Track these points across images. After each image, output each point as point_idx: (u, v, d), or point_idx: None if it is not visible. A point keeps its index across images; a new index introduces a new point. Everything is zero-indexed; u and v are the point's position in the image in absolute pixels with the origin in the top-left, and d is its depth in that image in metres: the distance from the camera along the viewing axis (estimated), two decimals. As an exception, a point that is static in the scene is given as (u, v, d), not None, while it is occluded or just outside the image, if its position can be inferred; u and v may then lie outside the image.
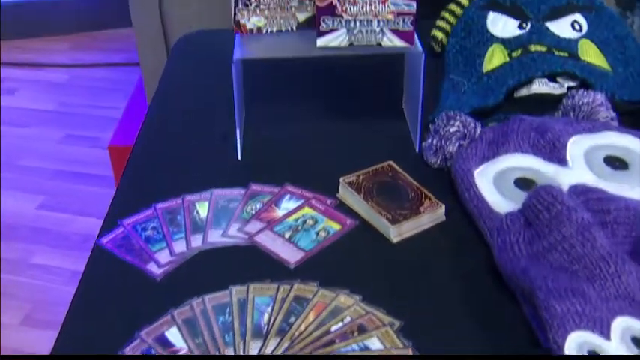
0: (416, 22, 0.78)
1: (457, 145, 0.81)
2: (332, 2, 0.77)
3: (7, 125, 2.27)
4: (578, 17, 0.98)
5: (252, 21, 0.82)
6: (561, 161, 0.77)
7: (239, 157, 0.85)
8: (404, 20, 0.78)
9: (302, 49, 0.81)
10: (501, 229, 0.70)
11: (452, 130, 0.80)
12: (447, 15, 1.02)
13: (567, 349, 0.56)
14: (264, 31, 0.83)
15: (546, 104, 0.90)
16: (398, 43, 0.79)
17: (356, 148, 0.87)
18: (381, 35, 0.79)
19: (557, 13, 0.98)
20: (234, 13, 0.82)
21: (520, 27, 0.96)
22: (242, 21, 0.82)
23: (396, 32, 0.78)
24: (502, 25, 0.97)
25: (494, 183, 0.76)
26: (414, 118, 0.85)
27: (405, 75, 0.91)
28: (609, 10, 1.00)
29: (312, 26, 0.82)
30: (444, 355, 0.61)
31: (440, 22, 1.02)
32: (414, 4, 0.77)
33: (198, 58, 1.09)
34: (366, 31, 0.78)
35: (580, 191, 0.70)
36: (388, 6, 0.77)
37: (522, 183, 0.76)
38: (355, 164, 0.82)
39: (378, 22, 0.78)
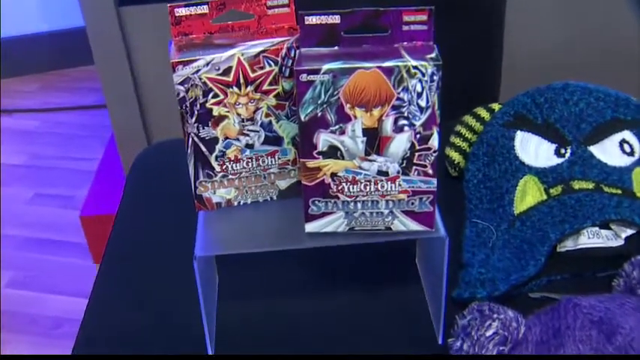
0: (436, 202, 0.57)
1: (495, 351, 0.59)
2: (323, 180, 0.55)
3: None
4: (627, 135, 0.76)
5: (220, 194, 0.60)
6: (637, 378, 0.57)
7: (210, 352, 0.64)
8: (421, 200, 0.56)
9: (287, 233, 0.59)
10: None
11: (488, 334, 0.59)
12: (462, 130, 0.80)
13: None
14: (235, 203, 0.61)
15: (599, 261, 0.70)
16: (413, 226, 0.57)
17: (360, 331, 0.66)
18: (390, 218, 0.57)
19: (601, 133, 0.75)
20: (195, 187, 0.60)
21: (557, 153, 0.75)
22: (205, 195, 0.60)
23: (410, 213, 0.57)
24: (534, 150, 0.75)
25: (551, 419, 0.55)
26: (436, 302, 0.64)
27: (420, 245, 0.69)
28: (665, 124, 0.78)
29: (297, 194, 0.61)
30: (444, 355, 0.58)
31: (455, 139, 0.80)
32: (434, 180, 0.55)
33: (160, 185, 0.87)
34: (371, 214, 0.57)
35: None
36: (399, 184, 0.55)
37: (587, 416, 0.55)
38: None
39: (387, 203, 0.56)
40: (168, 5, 0.55)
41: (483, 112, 0.80)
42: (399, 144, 0.53)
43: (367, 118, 0.52)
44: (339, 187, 0.55)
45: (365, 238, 0.57)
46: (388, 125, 0.53)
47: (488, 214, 0.74)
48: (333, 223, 0.57)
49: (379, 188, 0.55)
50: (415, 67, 0.51)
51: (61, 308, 1.65)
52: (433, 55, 0.52)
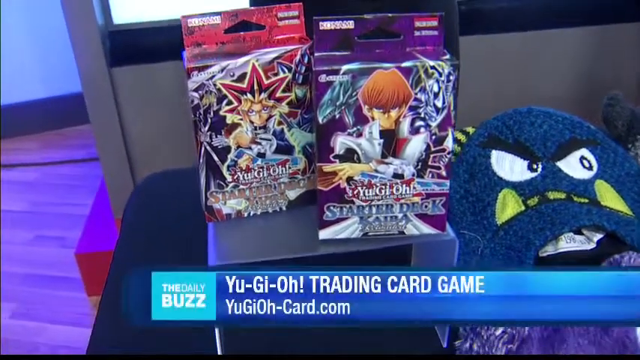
0: (448, 203, 0.47)
1: (504, 350, 0.49)
2: (339, 185, 0.45)
3: (-19, 230, 1.84)
4: (585, 153, 0.69)
5: (230, 204, 0.49)
6: (642, 369, 0.47)
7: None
8: (434, 203, 0.46)
9: (301, 241, 0.48)
10: None
11: (497, 333, 0.49)
12: (439, 152, 0.71)
13: None
14: (245, 215, 0.50)
15: (577, 263, 0.60)
16: (426, 230, 0.47)
17: (360, 342, 0.55)
18: (404, 222, 0.47)
19: (564, 150, 0.68)
20: (205, 198, 0.48)
21: (530, 168, 0.66)
22: (216, 207, 0.49)
23: (422, 217, 0.47)
24: (509, 166, 0.67)
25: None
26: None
27: (419, 251, 0.59)
28: (613, 144, 0.71)
29: (305, 203, 0.50)
30: (444, 355, 0.50)
31: (433, 161, 0.71)
32: (448, 182, 0.46)
33: (163, 211, 0.74)
34: (385, 218, 0.46)
35: None
36: (414, 187, 0.45)
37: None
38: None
39: (401, 206, 0.46)
40: (181, 16, 0.44)
41: (459, 135, 0.71)
42: (415, 146, 0.43)
43: (385, 119, 0.42)
44: (355, 192, 0.45)
45: (379, 244, 0.47)
46: (405, 127, 0.43)
47: (473, 226, 0.64)
48: (347, 229, 0.46)
49: (394, 192, 0.45)
50: (433, 67, 0.41)
51: (59, 337, 1.47)
52: (447, 56, 0.42)
